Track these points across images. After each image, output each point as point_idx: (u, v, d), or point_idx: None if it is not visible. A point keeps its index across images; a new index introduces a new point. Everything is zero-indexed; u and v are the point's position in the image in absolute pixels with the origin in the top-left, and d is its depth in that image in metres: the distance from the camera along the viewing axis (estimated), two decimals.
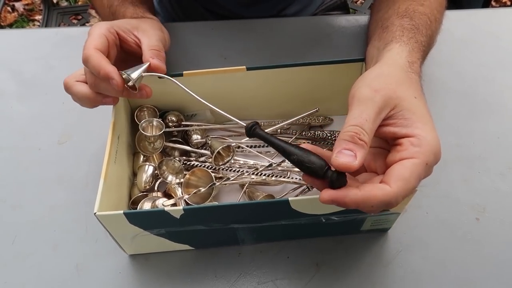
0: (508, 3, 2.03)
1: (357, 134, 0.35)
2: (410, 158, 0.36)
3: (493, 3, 1.94)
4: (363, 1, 1.71)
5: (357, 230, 0.51)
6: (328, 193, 0.35)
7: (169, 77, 0.48)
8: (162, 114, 0.58)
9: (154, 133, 0.54)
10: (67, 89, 0.49)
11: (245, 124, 0.41)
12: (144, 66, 0.48)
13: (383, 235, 0.52)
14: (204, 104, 0.44)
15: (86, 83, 0.48)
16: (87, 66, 0.46)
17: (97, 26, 0.49)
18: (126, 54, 0.53)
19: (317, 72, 0.53)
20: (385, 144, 0.41)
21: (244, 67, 0.52)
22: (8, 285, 0.49)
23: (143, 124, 0.53)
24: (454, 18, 0.79)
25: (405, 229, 0.52)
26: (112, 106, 0.50)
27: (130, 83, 0.46)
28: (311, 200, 0.43)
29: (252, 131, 0.40)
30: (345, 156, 0.34)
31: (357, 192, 0.35)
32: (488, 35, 0.75)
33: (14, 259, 0.51)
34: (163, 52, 0.52)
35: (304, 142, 0.58)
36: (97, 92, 0.48)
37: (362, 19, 0.74)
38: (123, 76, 0.46)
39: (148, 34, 0.52)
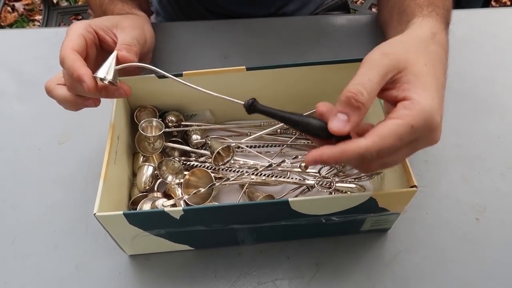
0: (508, 3, 2.03)
1: (354, 95, 0.35)
2: (395, 118, 0.35)
3: (493, 3, 1.94)
4: (363, 1, 1.71)
5: (357, 231, 0.51)
6: (308, 155, 0.36)
7: (169, 75, 0.47)
8: (162, 114, 0.58)
9: (153, 134, 0.54)
10: (48, 92, 0.48)
11: (243, 103, 0.39)
12: (112, 59, 0.45)
13: (383, 235, 0.52)
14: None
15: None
16: (64, 68, 0.45)
17: (75, 25, 0.48)
18: (107, 54, 0.51)
19: (317, 72, 0.53)
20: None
21: (244, 67, 0.52)
22: (8, 285, 0.49)
23: (143, 125, 0.53)
24: (454, 18, 0.78)
25: (405, 229, 0.52)
26: (112, 107, 0.50)
27: (105, 82, 0.44)
28: (311, 201, 0.43)
29: (253, 107, 0.39)
30: (337, 121, 0.35)
31: (332, 148, 0.35)
32: (488, 35, 0.75)
33: (14, 259, 0.51)
34: (136, 47, 0.50)
35: (304, 143, 0.59)
36: (76, 94, 0.46)
37: (362, 19, 0.74)
38: (99, 78, 0.44)
39: (125, 32, 0.52)
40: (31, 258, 0.51)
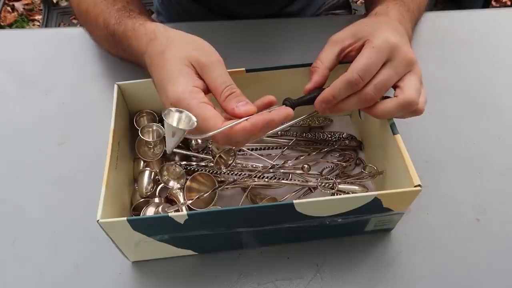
0: (508, 3, 2.03)
1: (313, 66, 0.49)
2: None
3: (493, 3, 1.94)
4: (363, 1, 1.71)
5: (361, 231, 0.51)
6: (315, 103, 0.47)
7: None
8: (162, 119, 0.57)
9: (154, 138, 0.53)
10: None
11: (285, 106, 0.44)
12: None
13: (384, 236, 0.52)
14: None
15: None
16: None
17: (189, 100, 0.41)
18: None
19: None
20: None
21: (243, 69, 0.52)
22: (7, 286, 0.49)
23: (143, 130, 0.53)
24: (454, 18, 0.79)
25: (406, 230, 0.52)
26: (112, 111, 0.49)
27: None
28: (316, 203, 0.43)
29: (293, 105, 0.45)
30: (308, 84, 0.48)
31: (327, 88, 0.46)
32: (488, 35, 0.75)
33: (14, 260, 0.51)
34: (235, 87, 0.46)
35: (302, 144, 0.58)
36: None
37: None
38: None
39: (214, 72, 0.44)
40: (31, 259, 0.51)
